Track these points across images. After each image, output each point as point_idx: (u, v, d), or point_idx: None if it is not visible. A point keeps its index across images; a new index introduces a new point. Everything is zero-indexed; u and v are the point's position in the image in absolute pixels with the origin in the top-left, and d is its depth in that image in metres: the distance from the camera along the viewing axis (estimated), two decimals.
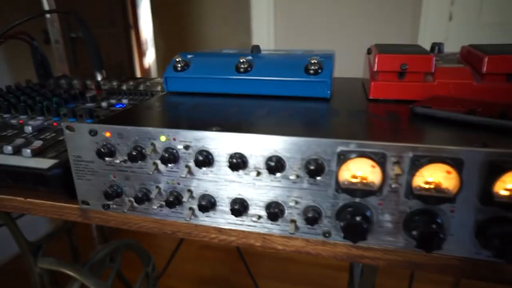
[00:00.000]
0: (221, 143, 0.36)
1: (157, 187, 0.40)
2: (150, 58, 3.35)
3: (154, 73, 2.92)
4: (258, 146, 0.35)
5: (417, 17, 1.70)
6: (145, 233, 0.44)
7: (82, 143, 0.41)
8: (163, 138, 0.37)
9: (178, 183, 0.39)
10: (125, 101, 0.66)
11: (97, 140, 0.40)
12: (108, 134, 0.40)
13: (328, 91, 0.49)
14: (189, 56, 0.56)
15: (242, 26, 2.49)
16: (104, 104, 0.65)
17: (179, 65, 0.55)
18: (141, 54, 3.20)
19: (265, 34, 1.95)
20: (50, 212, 0.45)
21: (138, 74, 2.76)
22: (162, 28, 3.09)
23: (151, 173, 0.39)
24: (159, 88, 0.72)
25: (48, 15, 1.24)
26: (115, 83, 0.77)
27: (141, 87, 0.73)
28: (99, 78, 0.83)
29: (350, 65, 1.07)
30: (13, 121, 0.58)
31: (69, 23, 1.33)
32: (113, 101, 0.66)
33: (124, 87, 0.75)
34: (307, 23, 1.87)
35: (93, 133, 0.40)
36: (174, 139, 0.37)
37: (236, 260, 1.61)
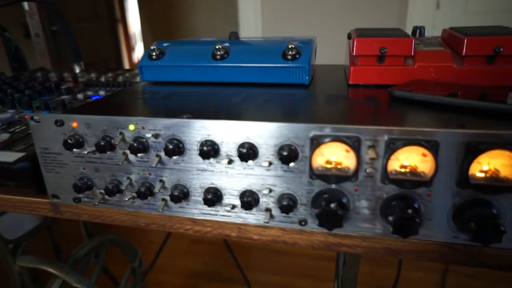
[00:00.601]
0: (191, 130, 0.34)
1: (128, 178, 0.38)
2: (139, 52, 3.30)
3: None
4: (229, 132, 0.33)
5: (404, 5, 1.69)
6: (134, 228, 0.42)
7: (48, 134, 0.39)
8: (131, 127, 0.36)
9: (150, 174, 0.38)
10: (102, 92, 0.64)
11: (64, 131, 0.38)
12: (75, 124, 0.38)
13: (307, 77, 0.48)
14: (165, 45, 0.55)
15: (229, 18, 2.46)
16: (80, 96, 0.63)
17: (154, 54, 0.53)
18: (130, 48, 3.15)
19: (252, 26, 1.93)
20: (19, 208, 0.43)
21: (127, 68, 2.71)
22: (150, 22, 3.04)
23: (121, 163, 0.38)
24: (138, 79, 0.70)
25: (27, 7, 1.21)
26: (93, 75, 0.75)
27: (120, 79, 0.71)
28: (77, 70, 0.80)
29: (338, 54, 1.06)
30: None
31: (49, 16, 1.30)
32: (90, 93, 0.64)
33: (102, 79, 0.73)
34: (294, 13, 1.85)
35: (59, 123, 0.38)
36: (143, 128, 0.36)
37: (227, 253, 1.60)
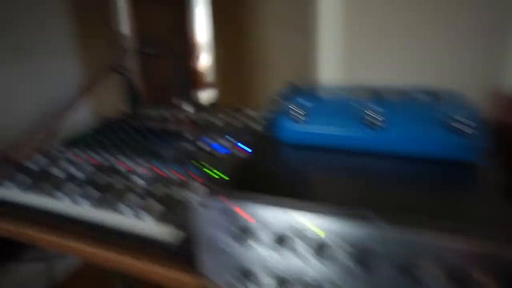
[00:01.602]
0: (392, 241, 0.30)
1: (308, 284, 0.34)
2: (206, 62, 3.34)
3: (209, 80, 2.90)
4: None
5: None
6: None
7: (211, 218, 0.37)
8: (315, 229, 0.32)
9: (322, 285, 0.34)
10: (224, 143, 0.62)
11: (230, 219, 0.36)
12: (243, 214, 0.35)
13: (481, 155, 0.41)
14: (303, 102, 0.51)
15: (302, 32, 2.41)
16: (201, 144, 0.62)
17: (295, 114, 0.49)
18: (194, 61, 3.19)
19: (331, 43, 1.86)
20: (168, 281, 0.42)
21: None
22: (220, 34, 3.07)
23: (303, 266, 0.34)
24: (255, 124, 0.67)
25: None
26: (205, 115, 0.74)
27: (236, 123, 0.69)
28: (185, 108, 0.80)
29: None
30: (120, 168, 0.55)
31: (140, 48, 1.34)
32: (209, 141, 0.63)
33: (216, 122, 0.71)
34: (380, 34, 1.75)
35: (226, 211, 0.36)
36: (330, 233, 0.32)
37: None
